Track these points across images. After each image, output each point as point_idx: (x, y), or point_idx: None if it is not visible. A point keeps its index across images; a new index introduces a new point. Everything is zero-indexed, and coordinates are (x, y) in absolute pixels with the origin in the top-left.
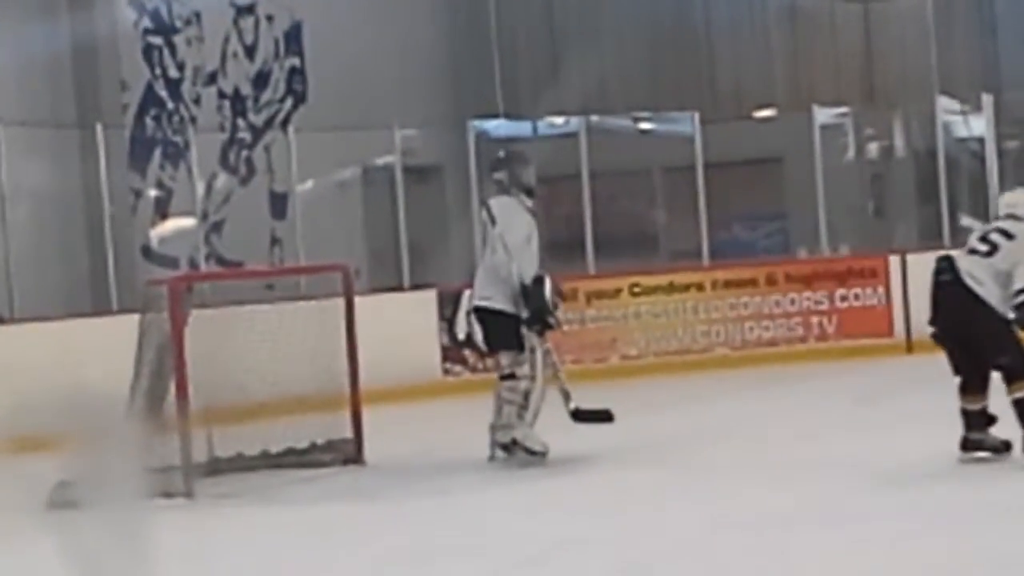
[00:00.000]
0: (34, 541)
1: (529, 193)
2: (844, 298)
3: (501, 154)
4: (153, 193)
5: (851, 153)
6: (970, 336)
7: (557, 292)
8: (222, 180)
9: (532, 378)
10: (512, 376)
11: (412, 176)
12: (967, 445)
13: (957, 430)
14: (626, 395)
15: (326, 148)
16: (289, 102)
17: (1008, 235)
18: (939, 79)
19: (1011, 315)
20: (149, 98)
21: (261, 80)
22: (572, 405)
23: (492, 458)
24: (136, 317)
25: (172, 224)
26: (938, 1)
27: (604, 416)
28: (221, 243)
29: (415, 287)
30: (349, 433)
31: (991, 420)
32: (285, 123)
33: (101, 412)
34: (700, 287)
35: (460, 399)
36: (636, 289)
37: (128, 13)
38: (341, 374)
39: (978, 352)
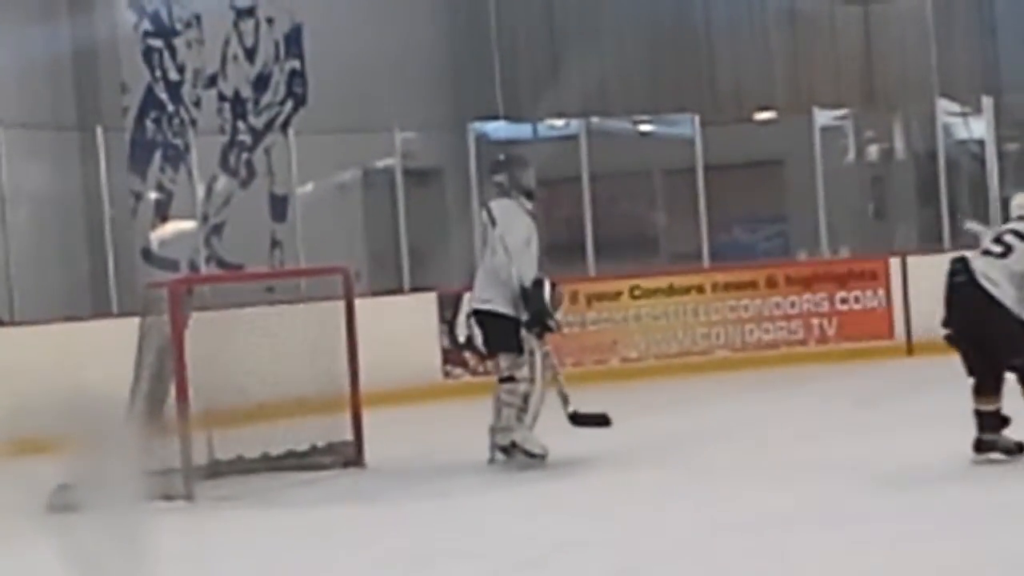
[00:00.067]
0: (34, 543)
1: (529, 196)
2: (844, 300)
3: (501, 157)
4: (153, 196)
5: (851, 155)
6: (984, 337)
7: (557, 300)
8: (222, 183)
9: (531, 381)
10: (511, 379)
11: (412, 178)
12: (980, 446)
13: (958, 432)
14: (626, 397)
15: (326, 151)
16: (289, 105)
17: (1022, 236)
18: (939, 81)
19: None
20: (149, 100)
21: (261, 83)
22: (570, 409)
23: (492, 460)
24: (136, 320)
25: (172, 227)
26: (938, 3)
27: (602, 420)
28: (221, 246)
29: (415, 290)
30: (349, 435)
31: (1005, 422)
32: (285, 126)
33: (101, 415)
34: (700, 289)
35: (460, 402)
36: (636, 291)
37: (128, 16)
38: (341, 376)
39: (992, 353)
